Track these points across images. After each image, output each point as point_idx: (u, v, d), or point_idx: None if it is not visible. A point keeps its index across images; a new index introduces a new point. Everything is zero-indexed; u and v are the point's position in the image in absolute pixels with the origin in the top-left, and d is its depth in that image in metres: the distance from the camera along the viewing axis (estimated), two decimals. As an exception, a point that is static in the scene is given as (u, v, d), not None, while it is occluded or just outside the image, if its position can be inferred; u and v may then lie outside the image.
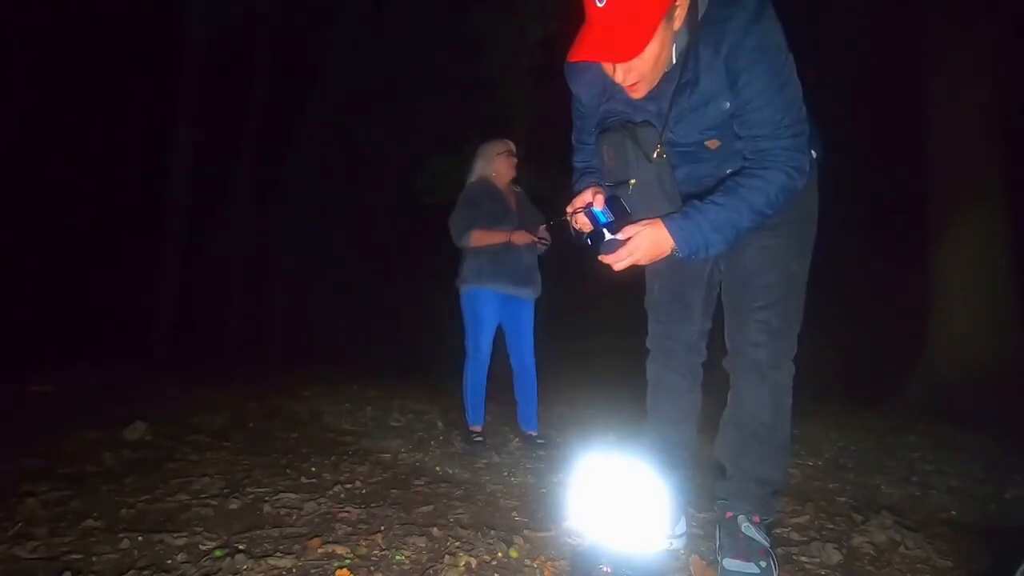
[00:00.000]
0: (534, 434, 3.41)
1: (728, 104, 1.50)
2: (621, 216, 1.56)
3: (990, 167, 5.08)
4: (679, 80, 1.51)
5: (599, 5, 1.37)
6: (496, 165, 3.38)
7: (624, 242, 1.50)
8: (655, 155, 1.57)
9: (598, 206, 1.56)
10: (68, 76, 11.41)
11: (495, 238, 3.26)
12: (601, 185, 1.68)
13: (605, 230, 1.53)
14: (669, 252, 1.51)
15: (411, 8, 10.04)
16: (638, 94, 1.54)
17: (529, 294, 3.39)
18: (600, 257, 1.53)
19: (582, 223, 1.60)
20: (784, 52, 1.48)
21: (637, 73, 1.47)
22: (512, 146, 3.44)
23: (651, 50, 1.42)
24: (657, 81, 1.52)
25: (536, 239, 3.28)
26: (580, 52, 1.42)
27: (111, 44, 11.42)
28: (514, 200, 3.41)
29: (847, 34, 7.58)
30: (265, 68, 12.39)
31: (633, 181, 1.58)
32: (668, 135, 1.58)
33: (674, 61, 1.52)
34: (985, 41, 5.11)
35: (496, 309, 3.33)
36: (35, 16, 9.91)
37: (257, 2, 11.04)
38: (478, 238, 3.27)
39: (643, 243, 1.49)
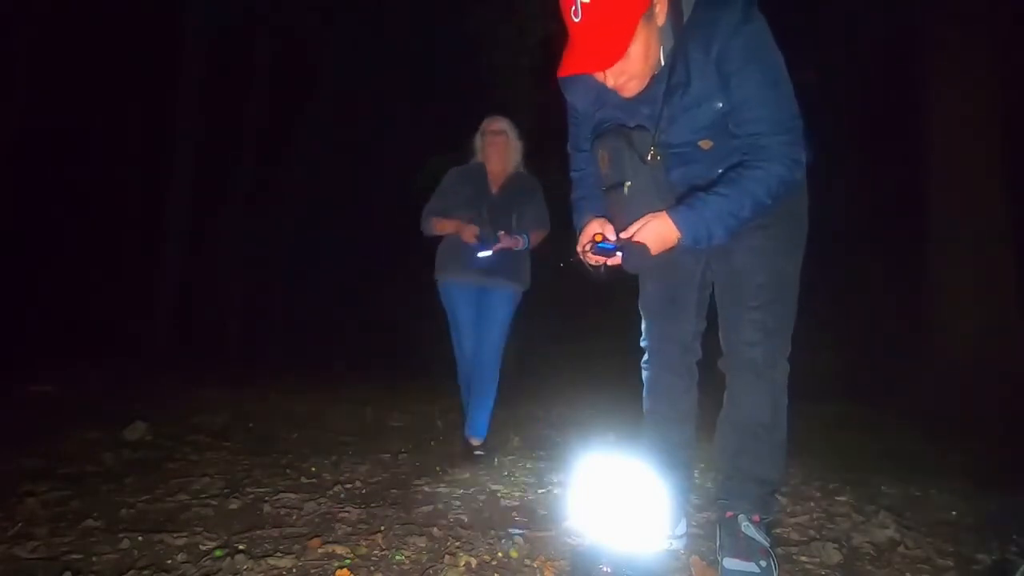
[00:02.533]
0: (476, 443, 3.01)
1: (721, 104, 1.53)
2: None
3: (990, 167, 5.09)
4: (668, 81, 1.54)
5: (575, 20, 1.41)
6: (478, 145, 3.13)
7: (633, 247, 1.52)
8: (649, 157, 1.59)
9: (609, 235, 1.60)
10: (68, 76, 11.41)
11: (447, 227, 3.03)
12: (602, 216, 1.69)
13: (619, 252, 1.56)
14: (675, 243, 1.53)
15: (411, 8, 10.04)
16: (629, 92, 1.56)
17: (497, 284, 3.03)
18: (627, 268, 1.57)
19: (595, 260, 1.62)
20: (774, 50, 1.52)
21: (627, 74, 1.50)
22: (496, 125, 3.11)
23: (636, 49, 1.45)
24: (648, 79, 1.54)
25: (474, 236, 2.94)
26: (566, 67, 1.46)
27: (111, 44, 11.41)
28: (500, 184, 3.09)
29: (847, 35, 7.58)
30: (265, 68, 12.38)
31: (629, 183, 1.59)
32: (661, 137, 1.60)
33: (662, 63, 1.54)
34: (986, 42, 5.11)
35: (470, 300, 3.08)
36: (35, 16, 9.90)
37: (257, 2, 11.04)
38: (437, 225, 3.07)
39: (650, 234, 1.52)
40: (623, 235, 1.56)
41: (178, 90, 10.30)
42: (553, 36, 6.73)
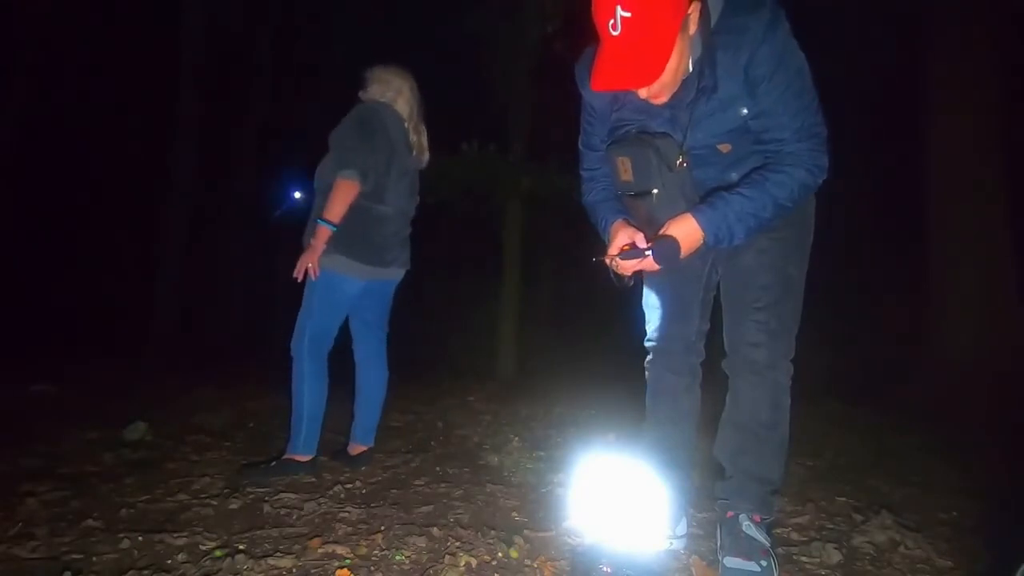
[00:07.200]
0: (301, 456, 2.66)
1: (746, 110, 1.53)
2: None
3: (991, 167, 5.09)
4: (696, 86, 1.53)
5: (614, 34, 1.37)
6: None
7: (664, 242, 1.54)
8: (678, 164, 1.59)
9: (641, 244, 1.60)
10: (69, 74, 11.42)
11: None
12: (628, 221, 1.69)
13: (648, 253, 1.57)
14: (700, 243, 1.55)
15: (411, 9, 10.05)
16: (661, 100, 1.55)
17: None
18: (659, 265, 1.58)
19: (626, 267, 1.62)
20: (800, 58, 1.52)
21: (659, 85, 1.48)
22: None
23: (671, 62, 1.43)
24: (679, 85, 1.54)
25: None
26: (602, 81, 1.43)
27: (111, 43, 11.42)
28: None
29: (847, 34, 7.58)
30: (265, 68, 12.40)
31: (656, 191, 1.59)
32: (685, 142, 1.59)
33: (690, 69, 1.53)
34: (986, 46, 5.11)
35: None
36: (35, 14, 9.91)
37: (258, 1, 11.06)
38: None
39: (677, 235, 1.54)
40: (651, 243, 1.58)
41: (179, 88, 10.30)
42: (553, 36, 6.74)
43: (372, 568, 1.69)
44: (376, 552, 1.80)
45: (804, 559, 1.85)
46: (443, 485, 2.51)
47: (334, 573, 1.65)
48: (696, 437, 1.94)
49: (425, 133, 2.85)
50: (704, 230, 1.54)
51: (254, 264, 12.44)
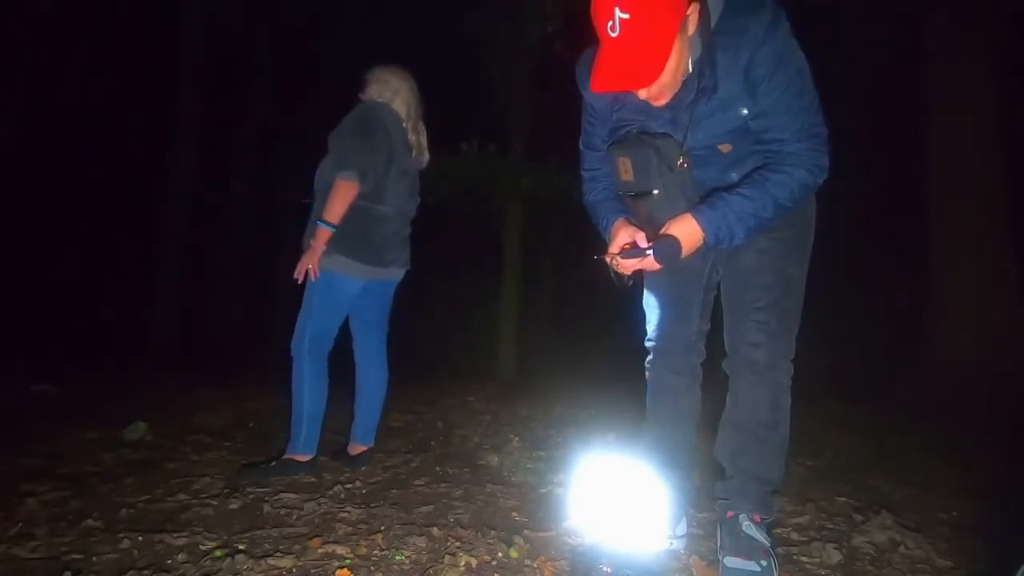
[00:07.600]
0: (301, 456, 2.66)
1: (746, 110, 1.53)
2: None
3: (991, 167, 5.09)
4: (696, 86, 1.53)
5: (612, 35, 1.38)
6: None
7: (665, 241, 1.55)
8: (678, 164, 1.59)
9: (643, 244, 1.60)
10: (69, 74, 11.42)
11: None
12: (629, 220, 1.70)
13: (649, 252, 1.58)
14: (701, 243, 1.56)
15: (411, 9, 10.05)
16: (661, 102, 1.56)
17: None
18: (660, 263, 1.58)
19: (626, 266, 1.62)
20: (800, 58, 1.53)
21: (659, 86, 1.49)
22: None
23: (671, 64, 1.44)
24: (679, 86, 1.54)
25: None
26: (601, 82, 1.44)
27: (111, 43, 11.42)
28: None
29: (847, 34, 7.58)
30: (265, 68, 12.40)
31: (656, 191, 1.60)
32: (686, 142, 1.60)
33: (690, 70, 1.54)
34: (986, 46, 5.11)
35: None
36: (34, 15, 9.90)
37: (257, 3, 11.07)
38: None
39: (678, 235, 1.55)
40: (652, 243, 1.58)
41: (179, 88, 10.30)
42: (553, 36, 6.73)
43: (372, 568, 1.69)
44: (376, 552, 1.80)
45: (804, 559, 1.85)
46: (443, 485, 2.51)
47: (334, 573, 1.65)
48: (696, 437, 1.94)
49: (425, 133, 2.85)
50: (704, 230, 1.54)
51: (254, 264, 12.44)
